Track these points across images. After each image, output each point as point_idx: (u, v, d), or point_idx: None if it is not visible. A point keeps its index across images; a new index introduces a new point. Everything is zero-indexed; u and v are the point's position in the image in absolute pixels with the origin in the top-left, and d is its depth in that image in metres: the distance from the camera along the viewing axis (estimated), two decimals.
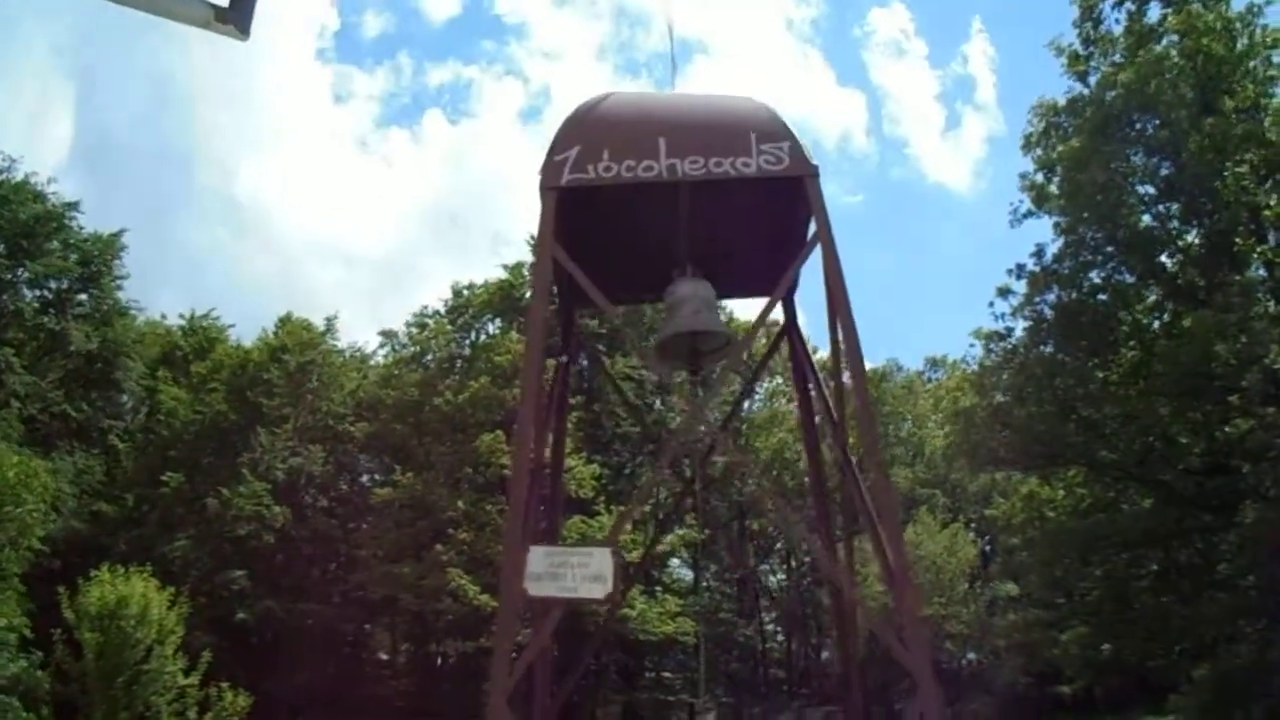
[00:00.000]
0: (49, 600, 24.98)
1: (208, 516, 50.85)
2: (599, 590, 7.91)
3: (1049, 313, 36.00)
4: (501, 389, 51.97)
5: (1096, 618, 37.86)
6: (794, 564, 71.84)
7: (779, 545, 70.32)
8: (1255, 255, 31.48)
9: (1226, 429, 33.75)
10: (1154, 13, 34.08)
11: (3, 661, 29.97)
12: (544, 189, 9.07)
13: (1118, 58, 34.63)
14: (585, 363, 57.36)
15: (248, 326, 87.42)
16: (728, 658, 57.17)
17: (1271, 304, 32.06)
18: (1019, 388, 36.65)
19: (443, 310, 63.28)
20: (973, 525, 60.60)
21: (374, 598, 52.67)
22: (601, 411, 57.95)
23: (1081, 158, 33.94)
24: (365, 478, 62.60)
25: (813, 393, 10.86)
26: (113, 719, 23.50)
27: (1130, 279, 35.80)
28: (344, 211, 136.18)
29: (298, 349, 57.80)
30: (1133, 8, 34.45)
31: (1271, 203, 30.50)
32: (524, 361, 8.58)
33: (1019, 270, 36.57)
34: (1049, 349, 36.31)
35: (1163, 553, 36.93)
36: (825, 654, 73.10)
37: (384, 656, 68.78)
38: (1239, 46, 32.29)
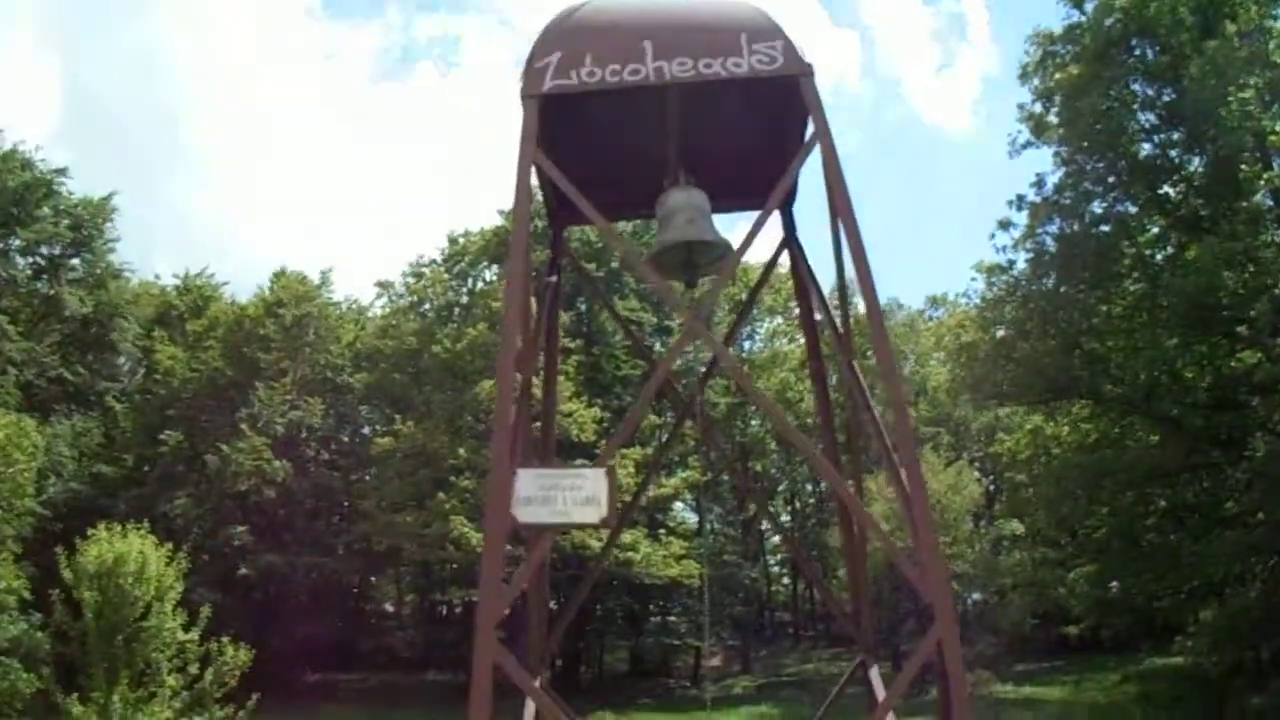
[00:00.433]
0: (50, 563, 24.69)
1: (208, 474, 50.75)
2: (593, 514, 7.35)
3: (1050, 244, 35.54)
4: (499, 337, 51.48)
5: (1105, 555, 37.54)
6: (798, 506, 71.80)
7: (782, 487, 70.16)
8: (1261, 182, 31.08)
9: (1233, 362, 33.41)
10: None
11: (3, 624, 29.88)
12: (525, 97, 8.54)
13: None
14: (584, 307, 57.32)
15: (243, 285, 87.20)
16: (733, 600, 56.89)
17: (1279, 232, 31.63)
18: (1022, 321, 36.27)
19: (439, 260, 62.92)
20: (976, 464, 60.33)
21: (378, 549, 52.63)
22: (601, 355, 57.73)
23: (1080, 85, 33.42)
24: (366, 429, 62.33)
25: (815, 308, 10.34)
26: (113, 677, 23.25)
27: (1133, 209, 35.33)
28: (339, 166, 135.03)
29: (294, 303, 57.39)
30: None
31: (1278, 128, 29.94)
32: (507, 275, 8.06)
33: (1019, 201, 36.12)
34: (1051, 282, 35.84)
35: (1170, 490, 36.55)
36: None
37: (389, 608, 68.98)
38: None
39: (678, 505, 59.48)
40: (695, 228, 9.12)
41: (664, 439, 46.62)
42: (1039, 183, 35.85)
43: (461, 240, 62.02)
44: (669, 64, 8.53)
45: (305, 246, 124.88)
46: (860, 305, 9.69)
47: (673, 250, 9.25)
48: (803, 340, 66.59)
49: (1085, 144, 34.08)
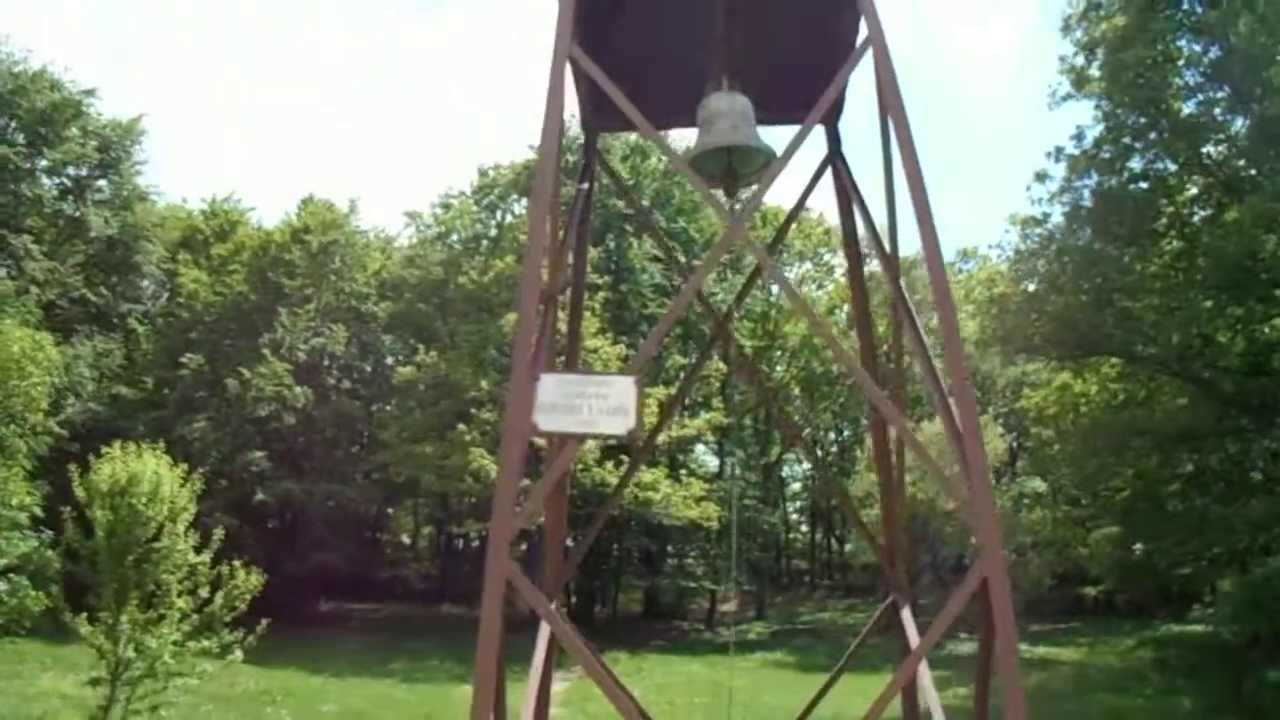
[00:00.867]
0: (65, 483, 24.48)
1: (228, 398, 50.61)
2: (620, 425, 6.85)
3: (1087, 199, 35.01)
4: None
5: (1129, 518, 37.17)
6: (820, 454, 71.49)
7: (805, 431, 69.93)
8: None
9: (1267, 328, 32.91)
10: None
11: (13, 541, 29.76)
12: None
13: None
14: (612, 244, 56.87)
15: (270, 214, 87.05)
16: (751, 545, 56.90)
17: None
18: (1055, 275, 35.78)
19: (469, 192, 62.58)
20: (1000, 420, 59.87)
21: (396, 479, 52.64)
22: (629, 293, 57.34)
23: (1125, 36, 32.80)
24: (389, 358, 62.11)
25: (859, 224, 9.80)
26: (122, 597, 23.03)
27: (1172, 167, 34.75)
28: (369, 97, 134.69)
29: (320, 229, 57.16)
30: None
31: None
32: (537, 171, 7.56)
33: (1057, 153, 35.60)
34: (1086, 237, 35.32)
35: (1197, 454, 36.09)
36: (849, 546, 73.13)
37: (405, 539, 69.10)
38: None
39: (699, 448, 59.42)
40: (739, 133, 8.62)
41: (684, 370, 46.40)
42: (1079, 135, 35.31)
43: (491, 173, 61.71)
44: None
45: (335, 178, 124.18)
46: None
47: (714, 156, 8.78)
48: (830, 287, 66.71)
49: (1126, 99, 33.45)
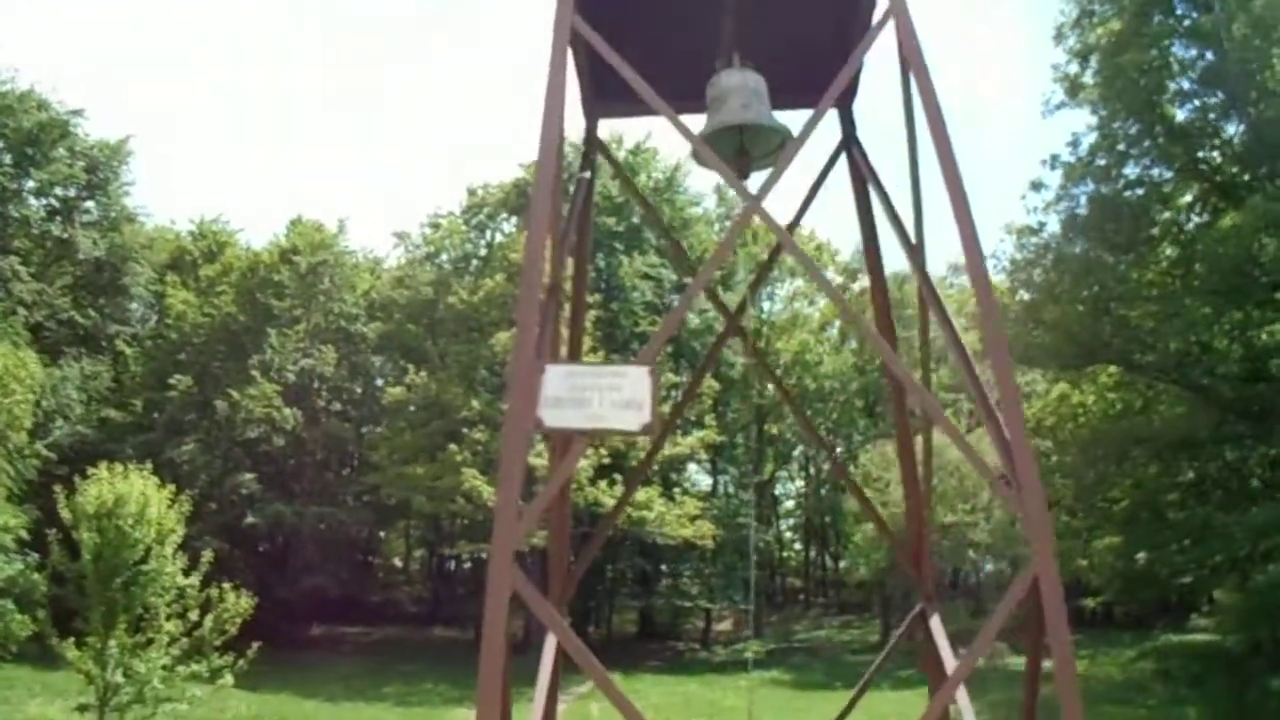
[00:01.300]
0: (53, 506, 24.15)
1: (217, 420, 50.28)
2: (633, 420, 6.27)
3: (1083, 206, 34.74)
4: (517, 287, 50.89)
5: (1130, 527, 36.82)
6: (812, 471, 71.10)
7: (798, 450, 69.55)
8: None
9: (1264, 334, 32.65)
10: None
11: None
12: None
13: None
14: (603, 262, 56.60)
15: (259, 236, 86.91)
16: (745, 564, 56.59)
17: None
18: (1051, 285, 35.49)
19: (458, 212, 62.33)
20: None
21: (387, 501, 52.30)
22: (620, 311, 57.03)
23: (1120, 41, 32.56)
24: (378, 379, 61.72)
25: (877, 209, 9.26)
26: (110, 620, 22.73)
27: (1168, 174, 34.52)
28: (356, 117, 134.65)
29: (309, 250, 56.85)
30: None
31: None
32: (539, 158, 7.02)
33: (1053, 161, 35.36)
34: (1083, 245, 35.05)
35: (1196, 463, 35.79)
36: (843, 564, 72.71)
37: (397, 562, 68.69)
38: None
39: (691, 467, 59.10)
40: (751, 111, 8.11)
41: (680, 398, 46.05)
42: (1074, 143, 35.09)
43: (480, 192, 61.46)
44: None
45: (324, 200, 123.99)
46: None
47: (724, 136, 8.29)
48: (822, 305, 66.24)
49: (1121, 105, 33.23)
